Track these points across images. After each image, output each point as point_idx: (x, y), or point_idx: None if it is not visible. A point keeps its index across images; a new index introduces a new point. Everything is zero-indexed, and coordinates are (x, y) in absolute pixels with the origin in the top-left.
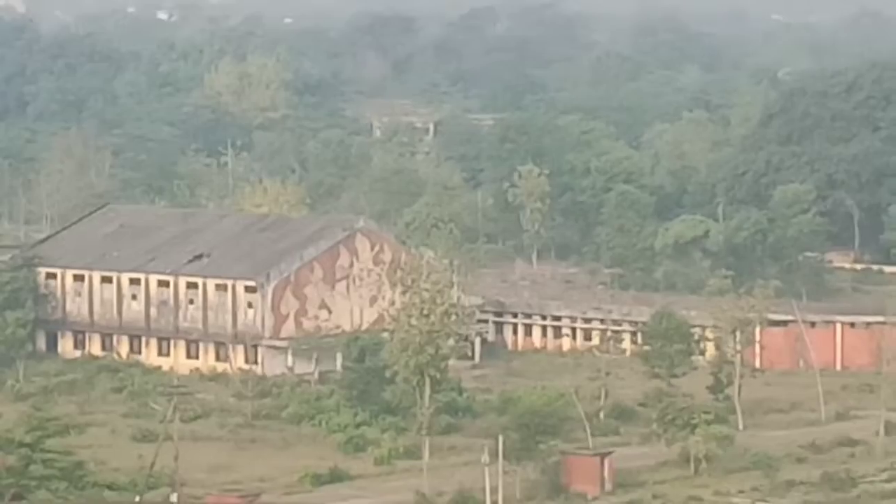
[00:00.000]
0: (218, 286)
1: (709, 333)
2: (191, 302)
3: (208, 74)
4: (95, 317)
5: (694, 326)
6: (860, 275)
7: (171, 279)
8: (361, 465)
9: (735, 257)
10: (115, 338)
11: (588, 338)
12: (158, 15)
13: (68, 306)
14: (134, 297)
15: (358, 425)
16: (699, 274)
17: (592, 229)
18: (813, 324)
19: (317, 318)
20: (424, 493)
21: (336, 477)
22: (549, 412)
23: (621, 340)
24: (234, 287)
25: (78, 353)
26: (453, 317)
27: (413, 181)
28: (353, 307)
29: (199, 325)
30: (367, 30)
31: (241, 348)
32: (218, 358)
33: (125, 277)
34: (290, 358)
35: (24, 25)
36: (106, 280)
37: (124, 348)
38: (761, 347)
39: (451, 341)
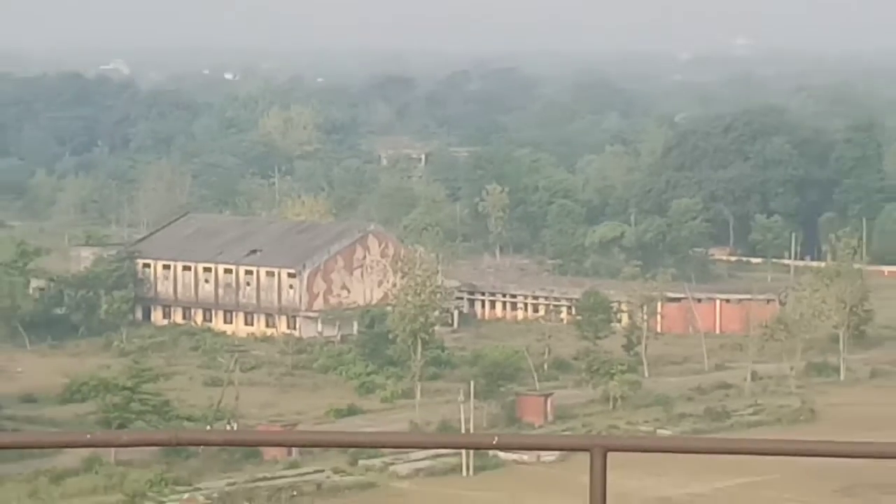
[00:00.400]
0: (267, 273)
1: (623, 307)
2: (247, 284)
3: (262, 119)
4: (178, 295)
5: (613, 302)
6: (733, 264)
7: (233, 268)
8: (371, 403)
9: (643, 251)
10: (192, 310)
11: (536, 310)
12: (226, 76)
13: (158, 287)
14: (206, 280)
15: (368, 374)
16: (617, 264)
17: (540, 231)
18: (699, 300)
19: (339, 296)
20: (417, 423)
21: (352, 411)
22: (507, 364)
23: (560, 312)
24: (279, 274)
25: (165, 322)
26: (438, 295)
27: (409, 197)
28: (365, 288)
29: (254, 301)
30: (377, 86)
31: (284, 318)
32: (267, 325)
33: (200, 266)
34: (319, 325)
35: (128, 83)
36: (186, 268)
37: (199, 318)
38: (662, 317)
39: (436, 313)
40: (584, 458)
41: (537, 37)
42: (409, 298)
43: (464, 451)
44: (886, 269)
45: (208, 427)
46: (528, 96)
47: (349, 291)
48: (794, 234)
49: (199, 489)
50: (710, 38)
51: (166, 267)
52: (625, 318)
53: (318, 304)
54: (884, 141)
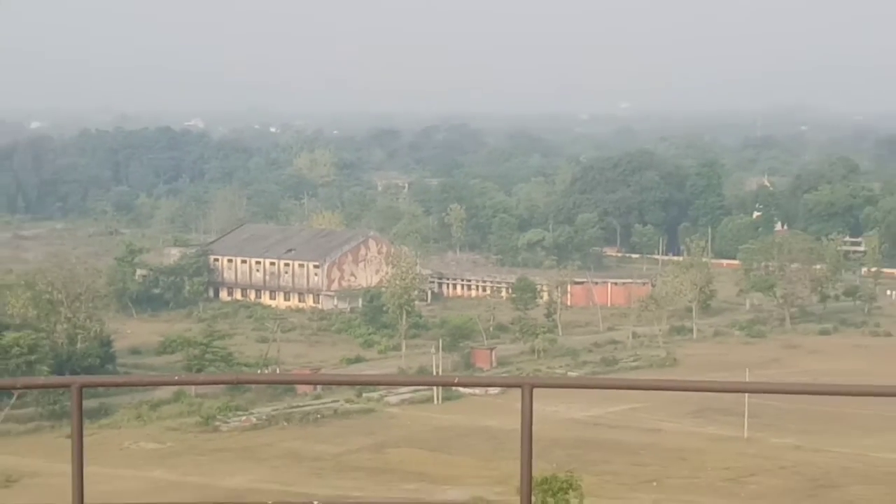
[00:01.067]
0: (300, 265)
1: (544, 288)
2: (286, 272)
3: (295, 159)
4: (238, 280)
5: (537, 284)
6: (621, 259)
7: (276, 261)
8: (371, 354)
9: (558, 250)
10: (247, 291)
11: (484, 290)
12: (271, 129)
13: (224, 275)
14: (257, 270)
15: (369, 334)
16: (540, 258)
17: (487, 236)
18: (596, 283)
19: (349, 280)
20: (402, 368)
21: (358, 360)
22: (465, 326)
23: (501, 292)
24: (308, 265)
25: (229, 299)
26: (417, 280)
27: (397, 213)
28: (367, 275)
29: (290, 284)
30: (375, 136)
31: (311, 296)
32: (300, 301)
33: (253, 261)
34: (336, 300)
35: (203, 134)
36: (243, 262)
37: (252, 296)
38: (571, 295)
39: (416, 292)
40: (518, 391)
41: (482, 101)
42: (397, 282)
43: (434, 388)
44: (724, 262)
45: (259, 371)
46: (477, 143)
47: (356, 277)
48: (661, 238)
49: (252, 413)
50: (601, 103)
51: (230, 261)
52: (545, 296)
53: (335, 286)
54: (722, 174)
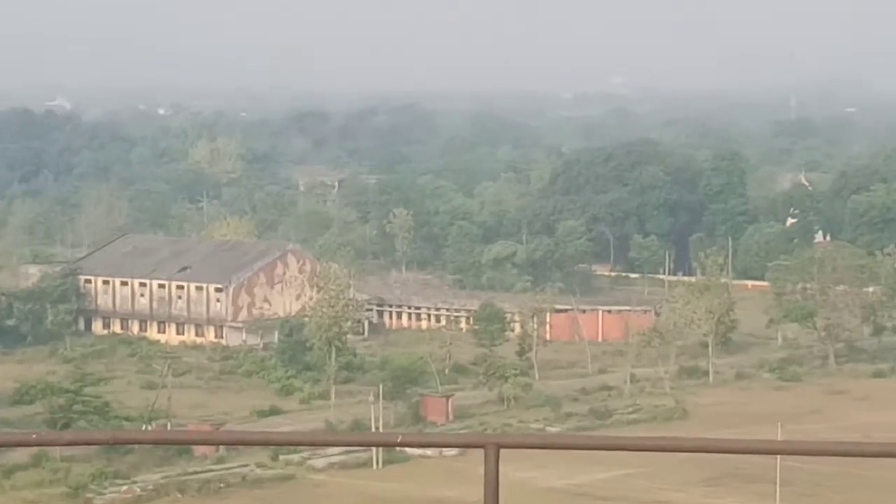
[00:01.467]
0: (197, 287)
1: (516, 317)
2: (179, 298)
3: (191, 150)
4: (116, 307)
5: (507, 313)
6: (614, 279)
7: (166, 283)
8: (291, 404)
9: (533, 268)
10: (129, 321)
11: (438, 320)
12: (159, 111)
13: (98, 301)
14: (142, 294)
15: (288, 378)
16: (510, 279)
17: (441, 250)
18: (584, 311)
19: (261, 308)
20: (331, 422)
21: (274, 412)
22: (412, 369)
23: (459, 322)
24: (207, 288)
25: (105, 332)
26: (350, 307)
27: (324, 219)
28: (285, 301)
29: (185, 313)
30: (295, 120)
31: (212, 328)
32: (197, 334)
33: (136, 282)
34: (244, 334)
35: (70, 117)
36: (123, 284)
37: (135, 328)
38: (550, 326)
39: (349, 323)
40: (481, 452)
41: (435, 76)
42: (325, 310)
43: (373, 448)
44: (749, 283)
45: (144, 426)
46: (429, 130)
47: (270, 304)
48: (667, 253)
49: (136, 482)
50: (589, 78)
51: (106, 282)
52: (517, 328)
53: (243, 315)
54: (746, 169)
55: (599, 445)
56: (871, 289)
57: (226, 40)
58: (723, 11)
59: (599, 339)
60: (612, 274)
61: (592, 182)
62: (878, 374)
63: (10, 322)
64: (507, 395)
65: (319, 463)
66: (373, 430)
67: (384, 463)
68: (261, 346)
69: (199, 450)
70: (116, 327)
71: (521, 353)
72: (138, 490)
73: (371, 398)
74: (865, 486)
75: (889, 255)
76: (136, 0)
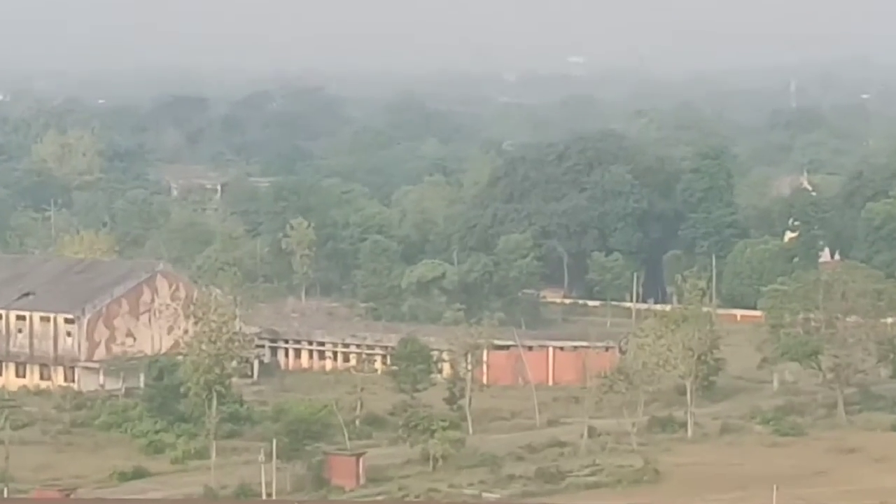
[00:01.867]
0: (42, 318)
1: (445, 356)
2: (19, 331)
3: (35, 144)
4: None
5: (433, 350)
6: (569, 308)
7: (3, 312)
8: (160, 464)
9: (467, 294)
10: None
11: (347, 359)
12: None
13: None
14: None
15: (157, 432)
16: (438, 307)
17: (351, 271)
18: (530, 347)
19: (124, 344)
20: (212, 487)
21: (139, 474)
22: (314, 420)
23: (374, 362)
24: (55, 319)
25: None
26: (236, 343)
27: (204, 232)
28: (153, 335)
29: (27, 350)
30: (166, 108)
31: (61, 369)
32: (42, 377)
33: None
34: (101, 377)
35: None
36: None
37: None
38: (488, 367)
39: (234, 363)
40: None
41: (344, 53)
42: (203, 347)
43: None
44: (739, 312)
45: None
46: (337, 119)
47: (135, 339)
48: (635, 274)
49: None
50: (539, 57)
51: None
52: (446, 369)
53: (100, 353)
54: (734, 170)
55: None
56: (889, 320)
57: (80, 13)
58: None
59: (550, 382)
60: (566, 301)
61: (542, 186)
62: None
63: None
64: (434, 454)
65: None
66: (263, 496)
67: None
68: (122, 391)
69: None
70: None
71: (450, 401)
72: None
73: (261, 457)
74: None
75: None
76: None
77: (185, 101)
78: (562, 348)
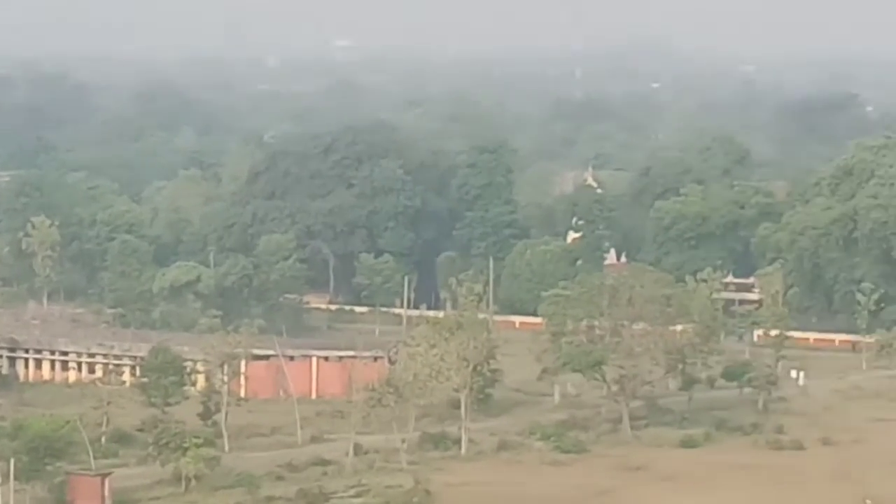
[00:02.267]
0: None
1: (199, 367)
2: None
3: None
4: None
5: (187, 360)
6: (334, 314)
7: None
8: None
9: (224, 299)
10: None
11: (92, 371)
12: None
13: None
14: None
15: None
16: (192, 314)
17: (97, 274)
18: (292, 357)
19: None
20: None
21: None
22: (56, 437)
23: (122, 373)
24: None
25: None
26: None
27: None
28: None
29: None
30: None
31: None
32: None
33: None
34: None
35: None
36: None
37: None
38: (246, 379)
39: None
40: None
41: (90, 36)
42: None
43: None
44: (518, 319)
45: None
46: (83, 108)
47: None
48: (406, 278)
49: None
50: (303, 40)
51: None
52: (201, 381)
53: None
54: (513, 165)
55: None
56: (679, 327)
57: None
58: None
59: (313, 395)
60: (332, 307)
61: (306, 182)
62: (689, 444)
63: None
64: (187, 473)
65: None
66: None
67: None
68: None
69: None
70: None
71: (205, 416)
72: None
73: None
74: None
75: (705, 281)
76: None
77: None
78: (326, 358)
